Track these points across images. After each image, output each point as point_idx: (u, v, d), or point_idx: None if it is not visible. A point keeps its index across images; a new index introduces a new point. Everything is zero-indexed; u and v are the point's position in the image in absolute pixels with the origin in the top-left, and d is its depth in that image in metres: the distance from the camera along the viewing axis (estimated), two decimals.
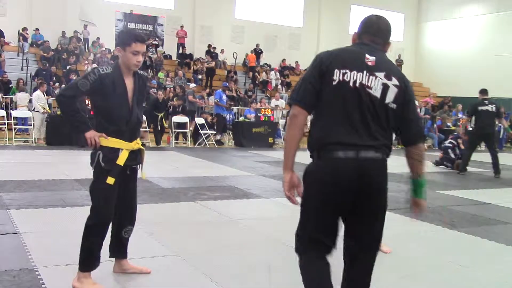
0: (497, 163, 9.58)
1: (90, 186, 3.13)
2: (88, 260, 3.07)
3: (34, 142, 11.52)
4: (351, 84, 2.25)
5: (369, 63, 2.28)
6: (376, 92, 2.26)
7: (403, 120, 2.32)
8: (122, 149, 3.10)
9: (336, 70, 2.26)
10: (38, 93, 12.13)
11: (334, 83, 2.25)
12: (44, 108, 11.79)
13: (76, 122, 3.04)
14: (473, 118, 10.05)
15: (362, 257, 2.40)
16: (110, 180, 3.05)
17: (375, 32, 2.37)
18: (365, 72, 2.26)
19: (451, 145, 10.65)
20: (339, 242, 2.37)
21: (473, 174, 9.94)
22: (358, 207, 2.27)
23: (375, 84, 2.26)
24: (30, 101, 12.68)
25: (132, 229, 3.35)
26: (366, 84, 2.25)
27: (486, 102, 9.75)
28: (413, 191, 2.48)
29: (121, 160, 3.09)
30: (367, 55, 2.29)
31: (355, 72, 2.25)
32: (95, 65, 17.35)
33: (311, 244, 2.36)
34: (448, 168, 10.45)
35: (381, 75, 2.27)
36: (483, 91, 9.92)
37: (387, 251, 4.19)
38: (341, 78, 2.25)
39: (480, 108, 9.71)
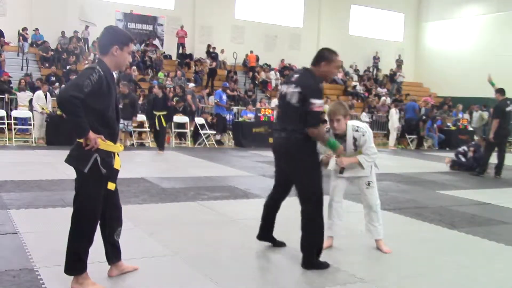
0: (502, 166, 9.57)
1: (84, 190, 2.99)
2: (77, 264, 3.01)
3: (34, 142, 11.53)
4: (282, 93, 3.79)
5: (292, 79, 3.75)
6: (288, 96, 3.67)
7: (304, 112, 3.57)
8: (115, 153, 3.05)
9: (281, 85, 4.02)
10: (39, 93, 12.11)
11: (279, 92, 4.00)
12: (43, 108, 11.78)
13: (83, 123, 2.83)
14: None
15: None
16: (112, 186, 3.02)
17: (313, 60, 3.81)
18: (287, 85, 3.75)
19: (462, 151, 10.54)
20: None
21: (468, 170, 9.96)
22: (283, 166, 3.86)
23: (289, 91, 3.67)
24: (31, 101, 12.66)
25: (121, 230, 3.31)
26: (287, 92, 3.71)
27: (509, 102, 9.51)
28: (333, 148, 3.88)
29: (117, 164, 3.06)
30: (295, 75, 3.79)
31: (285, 85, 3.80)
32: None
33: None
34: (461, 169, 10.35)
35: (292, 86, 3.67)
36: (502, 91, 9.61)
37: (387, 251, 4.19)
38: (281, 89, 3.88)
39: (507, 109, 9.46)
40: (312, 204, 3.64)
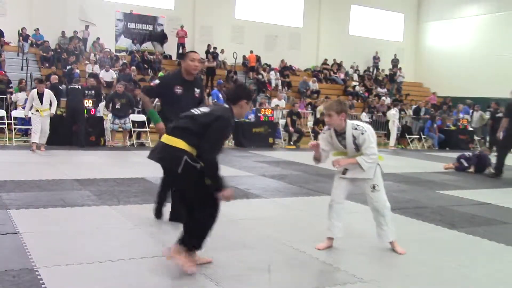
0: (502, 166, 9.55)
1: (194, 186, 3.37)
2: (203, 241, 3.54)
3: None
4: None
5: None
6: None
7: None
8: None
9: None
10: (33, 92, 10.26)
11: None
12: (37, 110, 10.00)
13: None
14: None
15: None
16: (208, 181, 3.41)
17: None
18: None
19: (468, 155, 10.39)
20: None
21: (472, 174, 9.94)
22: None
23: None
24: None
25: None
26: None
27: None
28: (152, 120, 4.54)
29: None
30: None
31: None
32: (96, 66, 17.38)
33: None
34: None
35: None
36: None
37: (402, 252, 4.14)
38: None
39: None
40: None
